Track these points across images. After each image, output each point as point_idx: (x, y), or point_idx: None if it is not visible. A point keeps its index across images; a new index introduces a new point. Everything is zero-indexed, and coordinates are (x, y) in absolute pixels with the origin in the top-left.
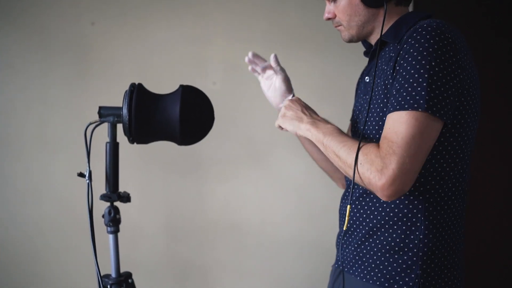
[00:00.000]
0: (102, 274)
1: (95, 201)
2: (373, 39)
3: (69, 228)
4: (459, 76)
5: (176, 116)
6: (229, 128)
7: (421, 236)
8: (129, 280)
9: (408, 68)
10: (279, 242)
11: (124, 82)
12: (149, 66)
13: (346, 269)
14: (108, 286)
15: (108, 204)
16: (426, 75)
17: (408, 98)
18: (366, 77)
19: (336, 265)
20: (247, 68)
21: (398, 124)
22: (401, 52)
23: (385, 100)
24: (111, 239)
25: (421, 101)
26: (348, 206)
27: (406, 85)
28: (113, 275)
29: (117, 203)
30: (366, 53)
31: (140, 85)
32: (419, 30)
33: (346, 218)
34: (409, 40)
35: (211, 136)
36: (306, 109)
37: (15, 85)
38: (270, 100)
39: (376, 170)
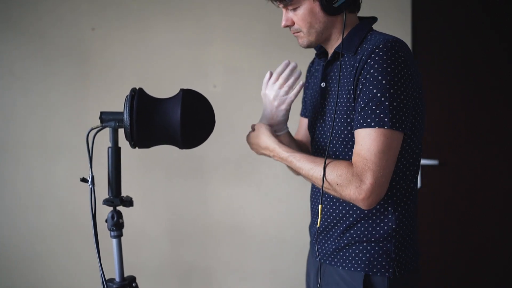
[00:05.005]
0: (106, 279)
1: (98, 206)
2: (328, 46)
3: (71, 233)
4: (411, 89)
5: (177, 120)
6: (231, 131)
7: (393, 226)
8: (133, 284)
9: (371, 88)
10: (282, 243)
11: (125, 86)
12: (149, 70)
13: (327, 262)
14: None
15: (111, 208)
16: (387, 95)
17: (373, 116)
18: (322, 83)
19: (317, 259)
20: (247, 70)
21: (369, 142)
22: (362, 71)
23: (348, 112)
24: (114, 244)
25: (386, 119)
26: (320, 206)
27: (370, 104)
28: (117, 279)
29: (120, 208)
30: (317, 55)
31: (140, 89)
32: (376, 51)
33: (319, 216)
34: (369, 60)
35: (213, 139)
36: (266, 148)
37: (16, 90)
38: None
39: (355, 188)
